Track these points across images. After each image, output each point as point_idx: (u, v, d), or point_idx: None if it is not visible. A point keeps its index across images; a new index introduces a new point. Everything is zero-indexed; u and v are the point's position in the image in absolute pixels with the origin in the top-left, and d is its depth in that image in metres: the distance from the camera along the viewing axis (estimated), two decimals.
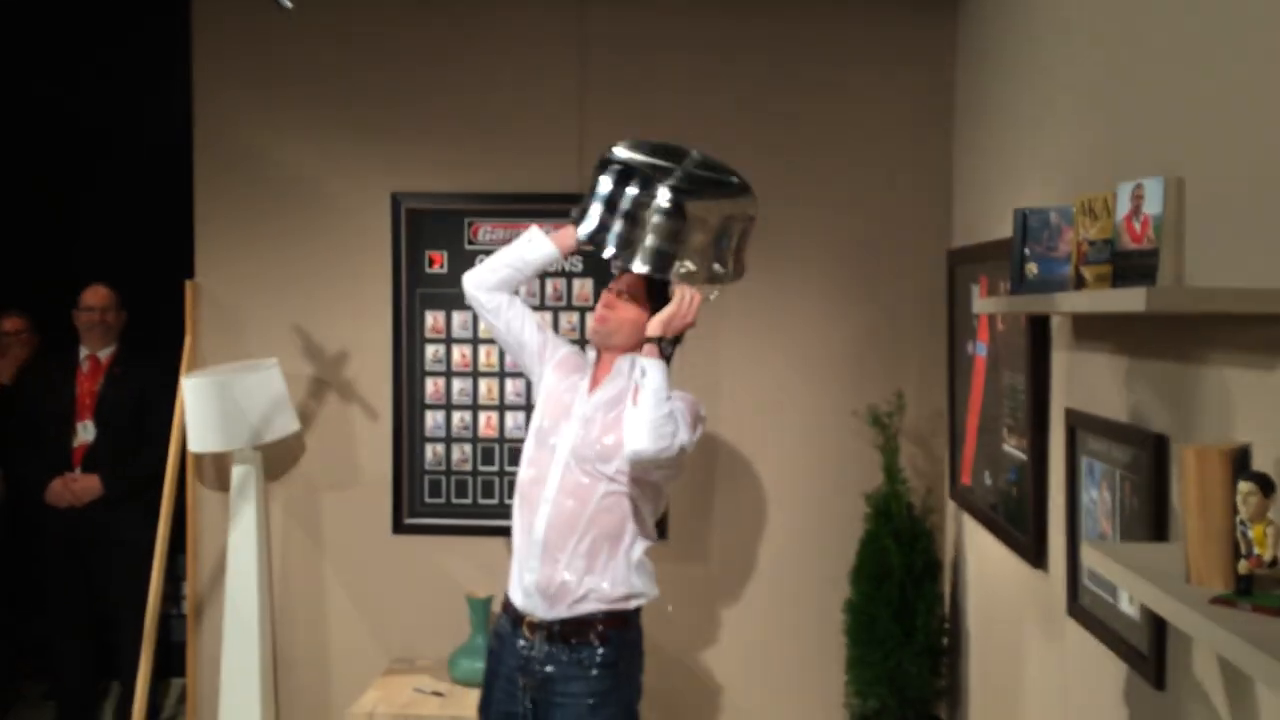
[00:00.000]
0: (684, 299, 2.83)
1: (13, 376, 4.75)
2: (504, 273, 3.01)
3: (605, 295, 2.96)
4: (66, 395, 4.41)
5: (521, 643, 2.82)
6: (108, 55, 5.23)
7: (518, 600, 2.85)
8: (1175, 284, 1.98)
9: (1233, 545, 1.53)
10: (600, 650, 2.76)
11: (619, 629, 2.80)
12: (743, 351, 4.23)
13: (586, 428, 2.85)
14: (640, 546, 2.85)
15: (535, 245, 3.02)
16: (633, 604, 2.83)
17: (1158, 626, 2.13)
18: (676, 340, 2.92)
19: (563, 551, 2.78)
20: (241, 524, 4.17)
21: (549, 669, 2.78)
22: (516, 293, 3.06)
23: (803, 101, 4.18)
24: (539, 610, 2.80)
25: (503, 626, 2.92)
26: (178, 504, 4.23)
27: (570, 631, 2.77)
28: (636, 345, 2.86)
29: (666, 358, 2.81)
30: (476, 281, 3.04)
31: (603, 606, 2.79)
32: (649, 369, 2.75)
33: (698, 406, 2.90)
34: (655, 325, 2.82)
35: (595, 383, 2.94)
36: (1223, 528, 1.56)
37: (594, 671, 2.76)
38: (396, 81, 4.27)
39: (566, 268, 4.23)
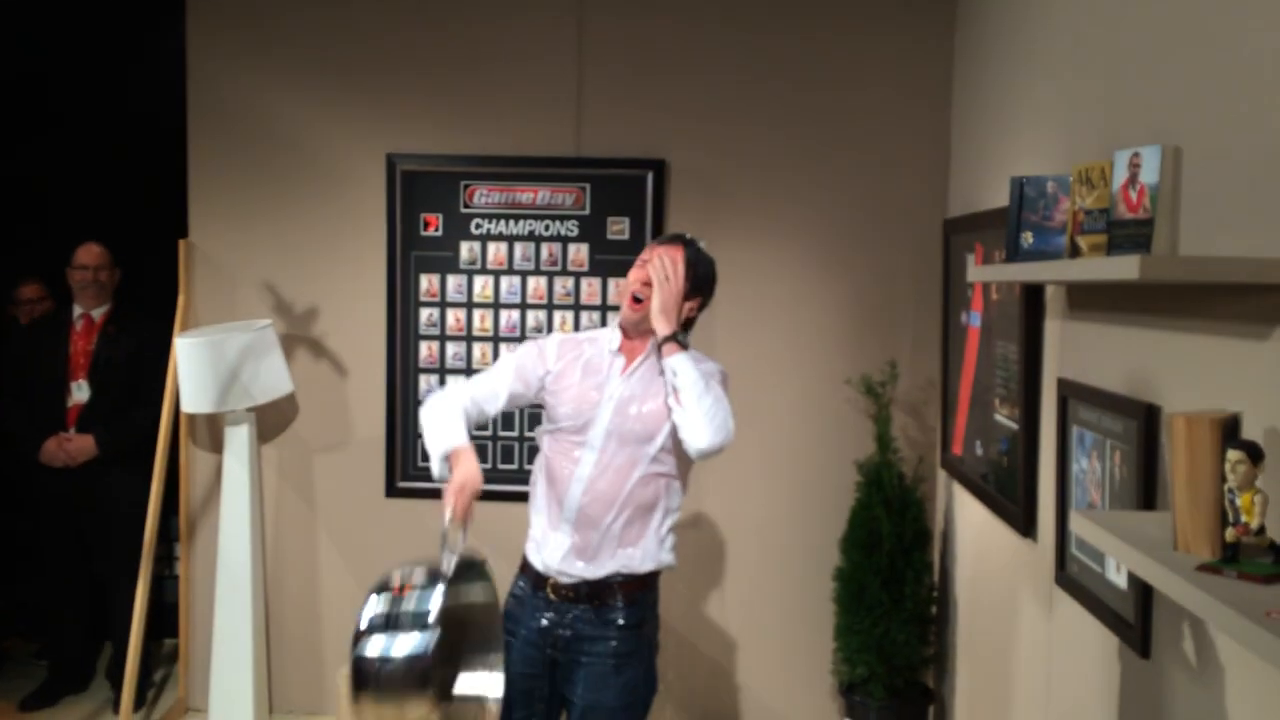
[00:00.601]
0: (661, 275, 2.74)
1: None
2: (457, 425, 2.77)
3: (638, 272, 2.81)
4: (60, 355, 4.38)
5: (543, 605, 2.80)
6: (101, 12, 5.18)
7: (539, 564, 2.81)
8: (1169, 253, 1.98)
9: (1220, 513, 1.54)
10: (623, 611, 2.76)
11: (641, 591, 2.79)
12: (737, 319, 4.22)
13: (623, 407, 2.77)
14: (669, 521, 2.83)
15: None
16: (648, 569, 2.81)
17: (1144, 595, 2.14)
18: (689, 325, 2.88)
19: (596, 528, 2.74)
20: (234, 485, 4.17)
21: (572, 630, 2.77)
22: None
23: (800, 69, 4.16)
24: (565, 575, 2.77)
25: (520, 589, 2.86)
26: (171, 465, 4.23)
27: (593, 593, 2.76)
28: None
29: (685, 346, 2.75)
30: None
31: (627, 573, 2.77)
32: (679, 368, 2.68)
33: (723, 373, 2.87)
34: (660, 322, 2.74)
35: (629, 362, 2.83)
36: (1211, 496, 1.56)
37: (617, 632, 2.76)
38: (392, 41, 4.24)
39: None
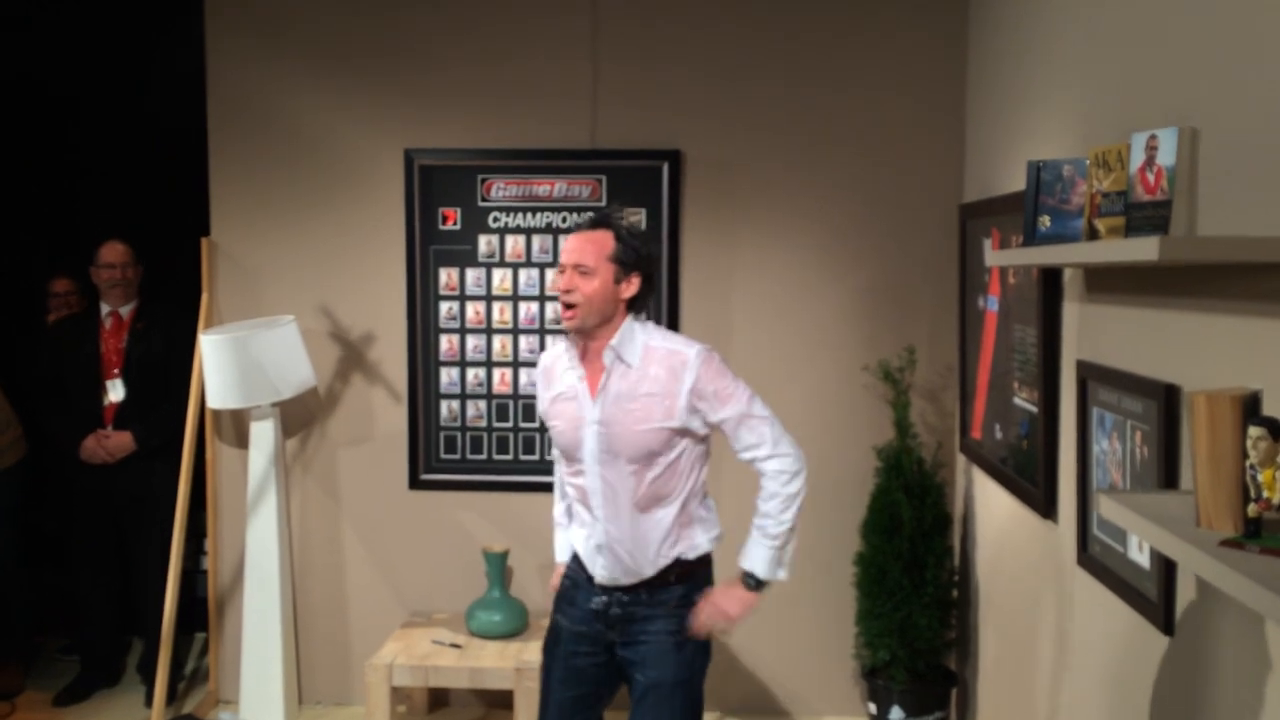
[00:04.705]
0: (721, 628, 2.79)
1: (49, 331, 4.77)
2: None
3: (557, 278, 2.68)
4: (93, 354, 4.43)
5: (597, 590, 2.78)
6: (121, 13, 5.22)
7: (593, 572, 2.80)
8: (1188, 234, 2.00)
9: (1242, 489, 1.56)
10: (679, 589, 2.74)
11: (694, 568, 2.77)
12: (756, 306, 4.25)
13: (609, 428, 2.66)
14: (696, 501, 2.78)
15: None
16: (700, 551, 2.79)
17: (1167, 573, 2.17)
18: (638, 302, 2.71)
19: (627, 545, 2.72)
20: (260, 480, 4.22)
21: (624, 610, 2.75)
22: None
23: (815, 56, 4.17)
24: (615, 583, 2.77)
25: (577, 573, 2.85)
26: (198, 460, 4.28)
27: (648, 583, 2.74)
28: (612, 318, 2.66)
29: (762, 581, 2.76)
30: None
31: (681, 560, 2.75)
32: (780, 570, 2.79)
33: (706, 352, 2.71)
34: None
35: (593, 384, 2.70)
36: (1232, 472, 1.58)
37: (674, 610, 2.73)
38: (408, 37, 4.27)
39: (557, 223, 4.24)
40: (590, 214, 2.76)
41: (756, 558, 2.74)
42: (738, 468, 4.26)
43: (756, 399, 2.75)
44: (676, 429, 2.66)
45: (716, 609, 2.73)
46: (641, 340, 2.69)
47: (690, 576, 2.76)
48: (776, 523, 2.74)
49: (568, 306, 2.66)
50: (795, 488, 2.74)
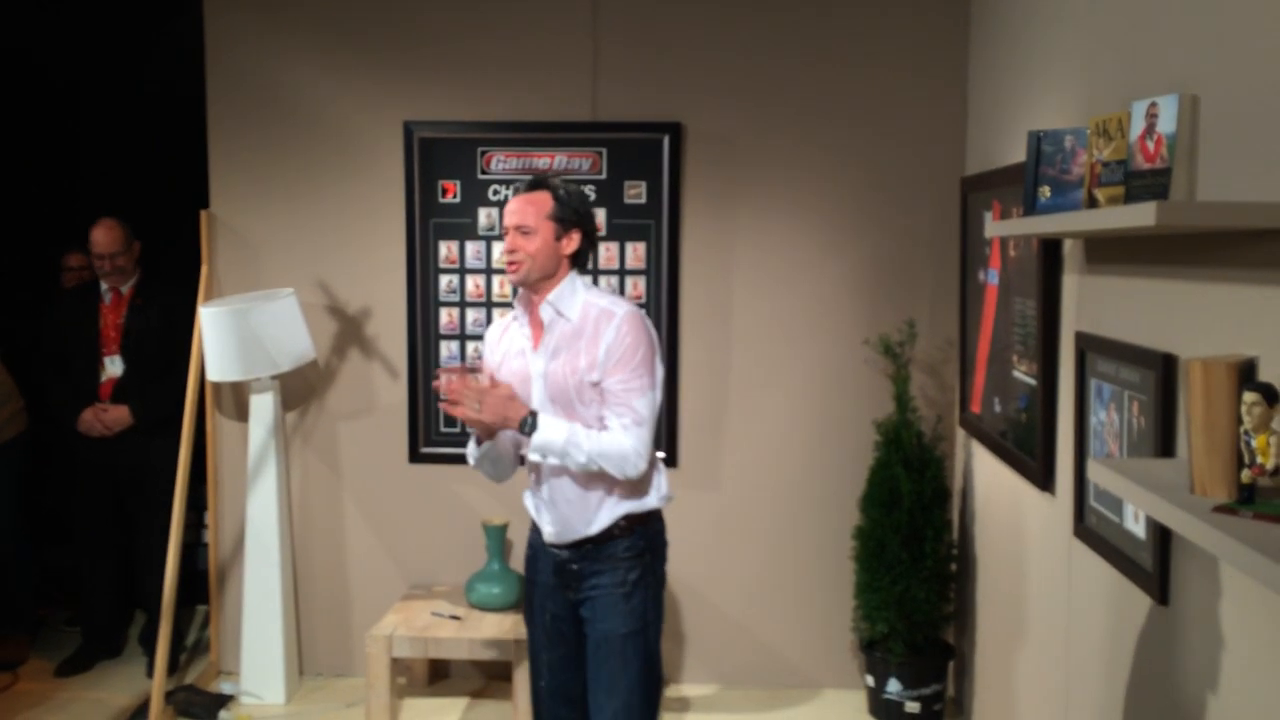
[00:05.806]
0: (473, 410, 2.69)
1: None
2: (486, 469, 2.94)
3: (505, 240, 2.78)
4: (91, 329, 4.43)
5: (553, 550, 2.87)
6: None
7: (543, 533, 2.89)
8: (1186, 199, 1.99)
9: (1236, 455, 1.56)
10: (625, 542, 2.79)
11: (641, 524, 2.82)
12: (756, 278, 4.24)
13: (550, 379, 2.75)
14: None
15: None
16: (648, 508, 2.83)
17: (1162, 542, 2.17)
18: (580, 256, 2.80)
19: (569, 501, 2.79)
20: (260, 453, 4.23)
21: (578, 566, 2.82)
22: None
23: (816, 29, 4.15)
24: (563, 539, 2.84)
25: (535, 538, 2.95)
26: (199, 433, 4.28)
27: (594, 540, 2.80)
28: (556, 274, 2.76)
29: (532, 429, 2.69)
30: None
31: (625, 515, 2.80)
32: (543, 451, 2.69)
33: (629, 316, 2.72)
34: (506, 426, 2.73)
35: (537, 339, 2.80)
36: (1227, 438, 1.58)
37: (621, 563, 2.79)
38: (409, 7, 4.25)
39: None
40: (531, 179, 2.84)
41: (555, 425, 2.69)
42: (738, 451, 4.28)
43: (646, 398, 2.72)
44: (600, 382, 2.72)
45: (497, 398, 2.68)
46: (582, 297, 2.79)
47: (636, 531, 2.80)
48: (589, 441, 2.67)
49: (514, 265, 2.76)
50: (617, 454, 2.68)
